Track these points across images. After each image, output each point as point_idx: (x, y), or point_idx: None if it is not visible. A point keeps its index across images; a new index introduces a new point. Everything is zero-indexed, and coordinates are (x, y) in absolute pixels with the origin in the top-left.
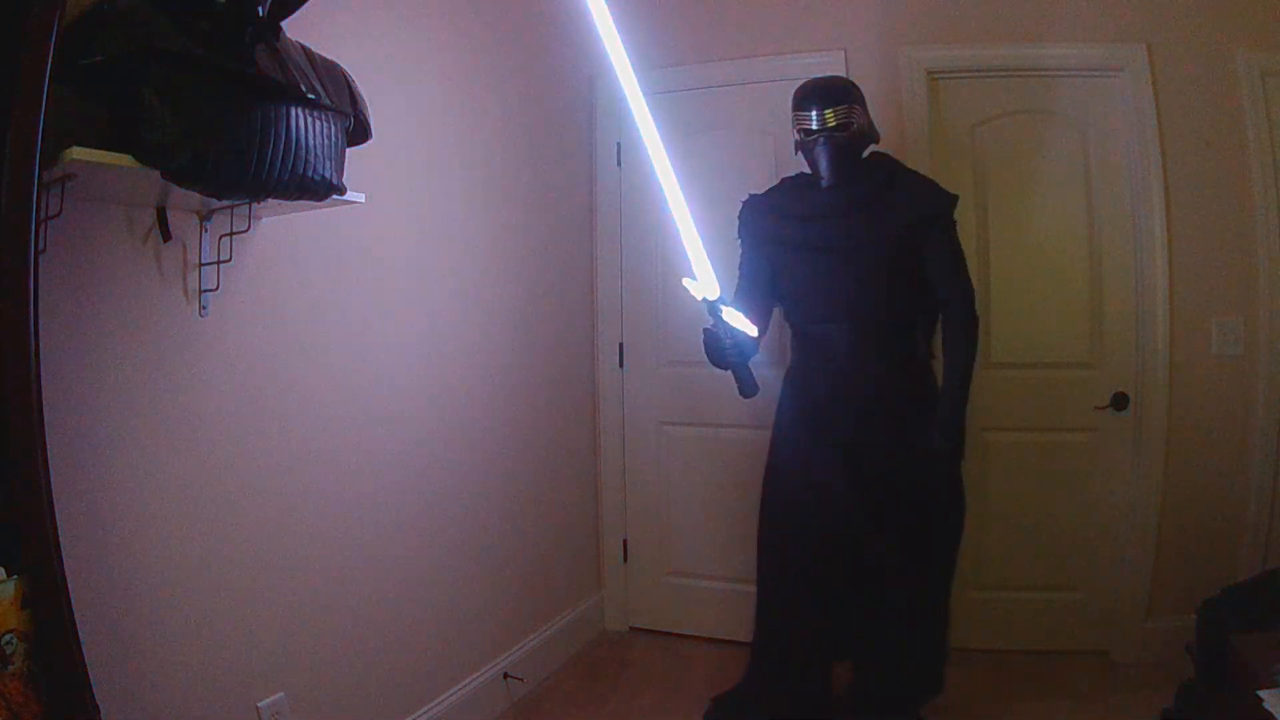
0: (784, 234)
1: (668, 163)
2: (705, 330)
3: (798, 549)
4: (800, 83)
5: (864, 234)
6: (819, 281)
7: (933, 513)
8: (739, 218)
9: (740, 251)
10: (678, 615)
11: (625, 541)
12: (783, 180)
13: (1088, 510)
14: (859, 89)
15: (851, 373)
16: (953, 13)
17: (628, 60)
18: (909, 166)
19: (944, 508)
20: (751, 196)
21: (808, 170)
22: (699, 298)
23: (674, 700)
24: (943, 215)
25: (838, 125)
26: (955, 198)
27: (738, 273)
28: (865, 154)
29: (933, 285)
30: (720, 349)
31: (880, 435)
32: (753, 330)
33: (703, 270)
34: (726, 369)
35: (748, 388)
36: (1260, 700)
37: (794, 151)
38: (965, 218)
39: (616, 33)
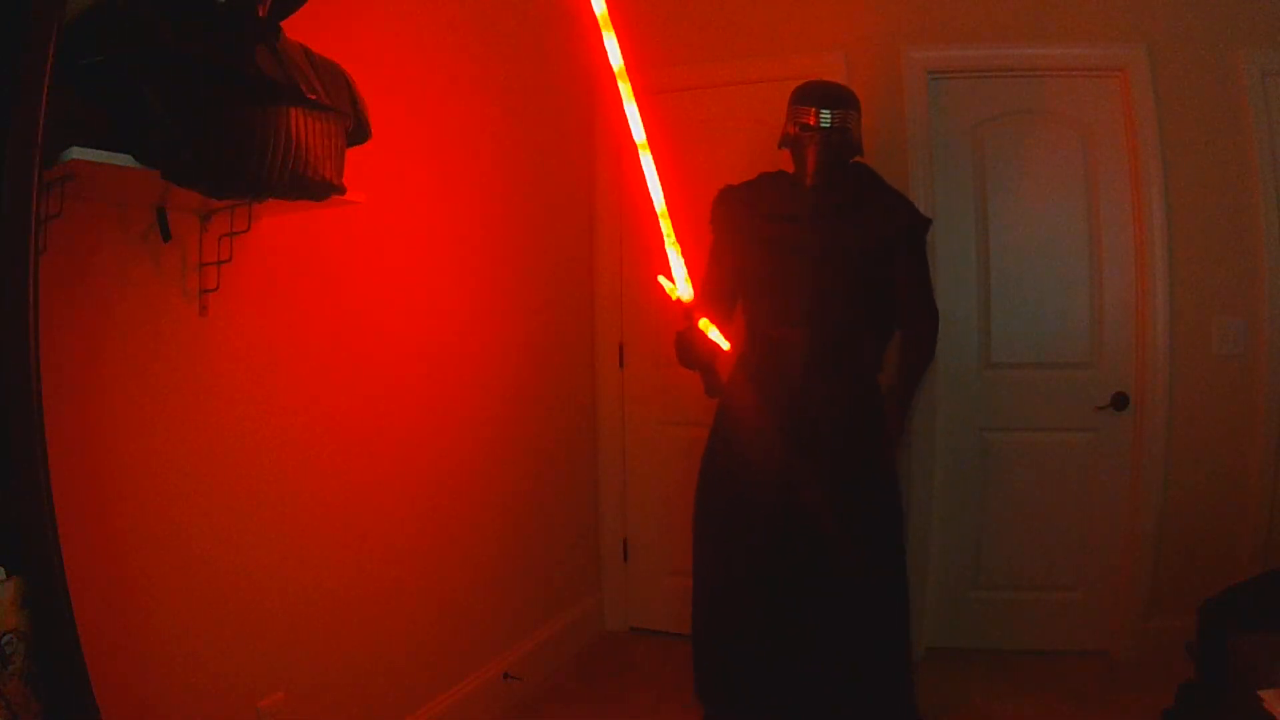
0: (756, 230)
1: (653, 168)
2: (679, 333)
3: (739, 540)
4: (802, 81)
5: (835, 242)
6: (782, 283)
7: (873, 516)
8: (714, 206)
9: (711, 240)
10: (678, 615)
11: (625, 541)
12: (761, 176)
13: (1088, 510)
14: (858, 100)
15: (803, 379)
16: (953, 13)
17: (624, 69)
18: (887, 181)
19: (883, 512)
20: (728, 187)
21: (786, 167)
22: (673, 298)
23: (674, 700)
24: (915, 234)
25: (835, 127)
26: (929, 221)
27: (707, 261)
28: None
29: (899, 301)
30: (694, 351)
31: (824, 443)
32: (726, 345)
33: (680, 274)
34: (696, 370)
35: (715, 388)
36: (1260, 700)
37: (779, 144)
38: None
39: (616, 45)
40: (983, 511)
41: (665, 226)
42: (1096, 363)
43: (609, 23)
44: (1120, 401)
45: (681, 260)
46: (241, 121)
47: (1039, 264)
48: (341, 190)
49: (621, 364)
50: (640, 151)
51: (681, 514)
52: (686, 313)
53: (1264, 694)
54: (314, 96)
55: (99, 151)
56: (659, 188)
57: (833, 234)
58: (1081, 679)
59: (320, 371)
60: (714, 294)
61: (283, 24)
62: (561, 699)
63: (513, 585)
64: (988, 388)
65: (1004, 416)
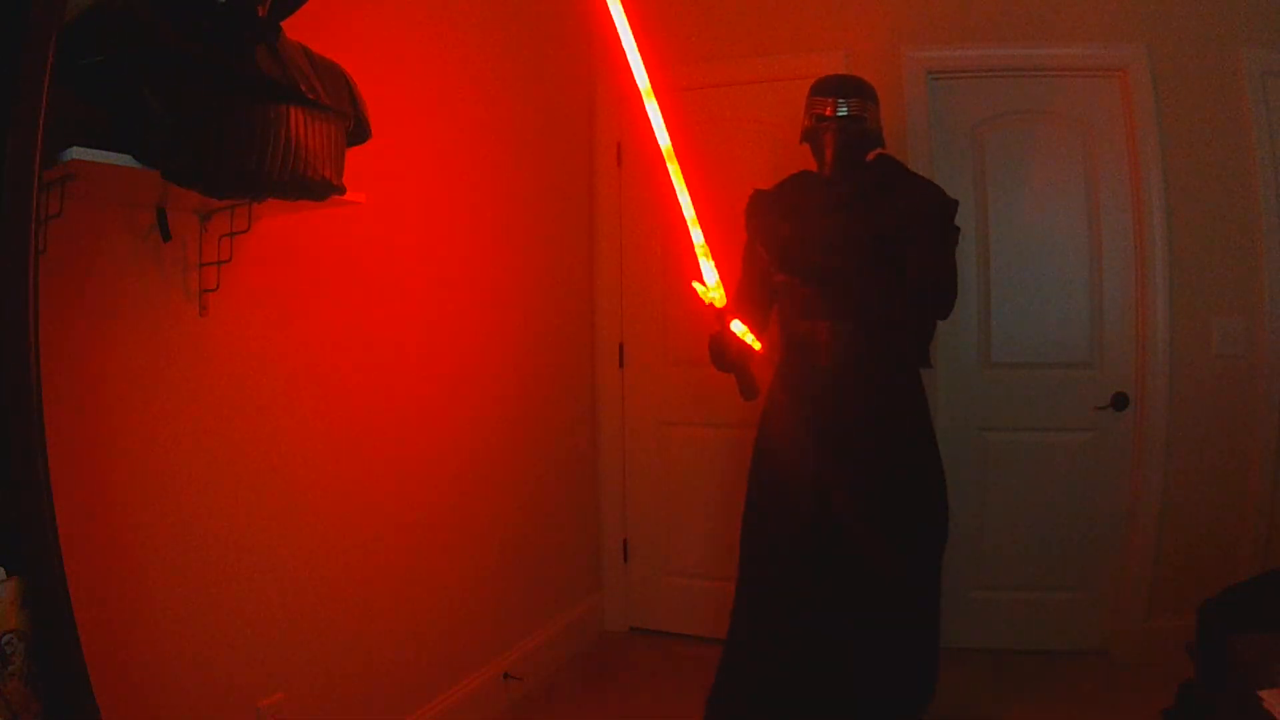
0: (780, 229)
1: (678, 169)
2: (711, 337)
3: (780, 543)
4: (800, 82)
5: (854, 231)
6: (805, 277)
7: (916, 515)
8: (746, 211)
9: (744, 245)
10: (678, 615)
11: (625, 541)
12: (789, 177)
13: (1088, 510)
14: (876, 92)
15: (831, 373)
16: (953, 13)
17: (640, 61)
18: (912, 170)
19: (927, 510)
20: (758, 191)
21: (809, 165)
22: (707, 302)
23: (674, 701)
24: (939, 213)
25: (851, 116)
26: (953, 202)
27: (741, 266)
28: (870, 156)
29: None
30: (727, 354)
31: (863, 438)
32: (758, 345)
33: (712, 277)
34: (730, 372)
35: (749, 391)
36: (1260, 700)
37: (800, 139)
38: (965, 218)
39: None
40: (983, 511)
41: (694, 230)
42: (1096, 363)
43: (634, 45)
44: (1120, 401)
45: (711, 263)
46: (241, 121)
47: (1039, 264)
48: (341, 190)
49: (621, 364)
50: (666, 160)
51: (682, 514)
52: (718, 316)
53: (1264, 694)
54: (314, 96)
55: (99, 151)
56: (686, 191)
57: (851, 223)
58: (1081, 679)
59: (319, 371)
60: (748, 298)
61: (283, 24)
62: (561, 699)
63: (513, 585)
64: (988, 388)
65: (1004, 416)
